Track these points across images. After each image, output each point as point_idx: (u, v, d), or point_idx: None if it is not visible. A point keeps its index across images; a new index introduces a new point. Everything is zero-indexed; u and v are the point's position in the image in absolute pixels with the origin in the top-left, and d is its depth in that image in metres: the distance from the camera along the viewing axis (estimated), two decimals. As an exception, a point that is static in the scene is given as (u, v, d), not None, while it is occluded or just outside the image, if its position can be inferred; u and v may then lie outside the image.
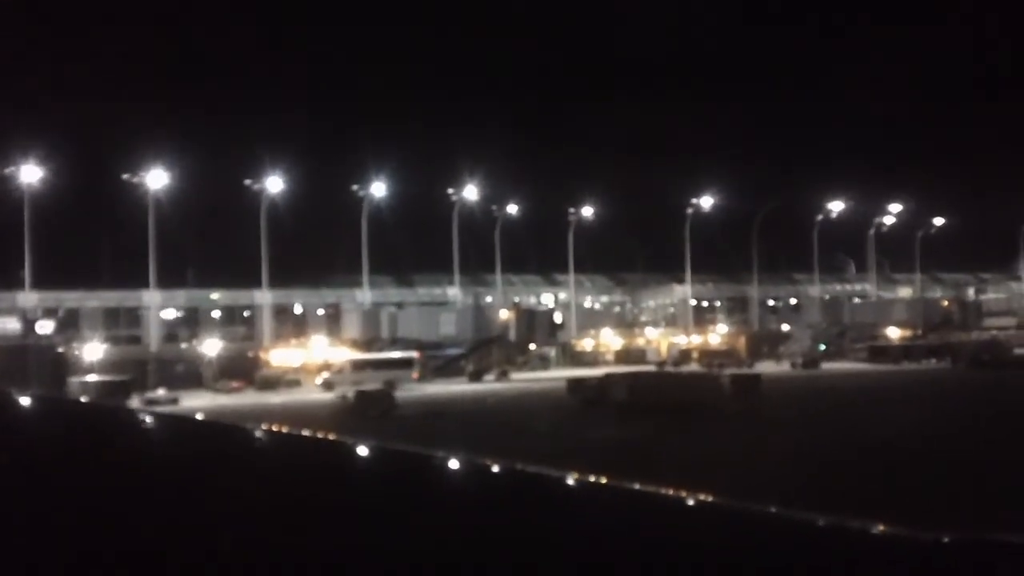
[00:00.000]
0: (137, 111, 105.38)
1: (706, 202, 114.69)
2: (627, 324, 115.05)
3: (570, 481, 2.28)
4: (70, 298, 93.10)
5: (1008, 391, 57.33)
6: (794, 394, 59.85)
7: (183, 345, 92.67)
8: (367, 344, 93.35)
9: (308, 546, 1.72)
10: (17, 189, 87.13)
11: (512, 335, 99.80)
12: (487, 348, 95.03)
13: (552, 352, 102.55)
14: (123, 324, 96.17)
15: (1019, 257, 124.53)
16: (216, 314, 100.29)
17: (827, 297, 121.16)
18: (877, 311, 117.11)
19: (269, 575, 1.63)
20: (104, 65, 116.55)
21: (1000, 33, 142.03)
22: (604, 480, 2.27)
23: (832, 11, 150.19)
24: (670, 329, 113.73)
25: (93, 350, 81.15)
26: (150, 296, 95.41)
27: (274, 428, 2.69)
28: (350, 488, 2.17)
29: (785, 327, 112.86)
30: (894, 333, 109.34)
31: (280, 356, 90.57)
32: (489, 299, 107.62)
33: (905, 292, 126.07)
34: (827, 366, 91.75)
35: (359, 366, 79.84)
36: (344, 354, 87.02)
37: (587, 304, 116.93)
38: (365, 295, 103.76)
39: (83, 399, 14.73)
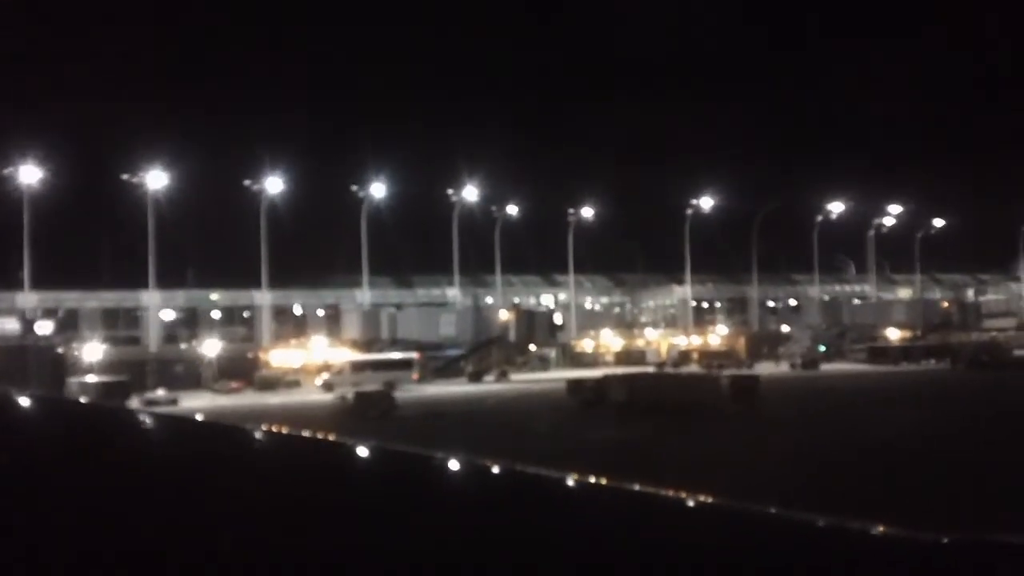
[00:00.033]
0: (137, 111, 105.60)
1: (706, 202, 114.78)
2: (627, 325, 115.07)
3: (570, 482, 2.28)
4: (69, 298, 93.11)
5: (1007, 392, 57.36)
6: (793, 395, 59.86)
7: (182, 346, 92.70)
8: (367, 345, 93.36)
9: (307, 547, 1.71)
10: (16, 189, 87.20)
11: (512, 336, 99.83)
12: (487, 349, 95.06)
13: (552, 353, 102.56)
14: (122, 324, 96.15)
15: (1018, 258, 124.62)
16: (216, 315, 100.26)
17: (827, 298, 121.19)
18: (877, 312, 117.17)
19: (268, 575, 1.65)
20: (104, 65, 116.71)
21: (1000, 33, 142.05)
22: (603, 481, 2.27)
23: (832, 11, 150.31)
24: (670, 330, 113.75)
25: (92, 350, 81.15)
26: (149, 296, 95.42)
27: (273, 429, 2.68)
28: (349, 489, 2.17)
29: (785, 328, 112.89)
30: (894, 334, 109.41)
31: (280, 357, 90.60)
32: (489, 300, 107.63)
33: (905, 293, 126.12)
34: (826, 367, 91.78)
35: (359, 367, 79.84)
36: (344, 355, 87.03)
37: (587, 305, 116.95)
38: (365, 296, 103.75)
39: (82, 400, 14.71)
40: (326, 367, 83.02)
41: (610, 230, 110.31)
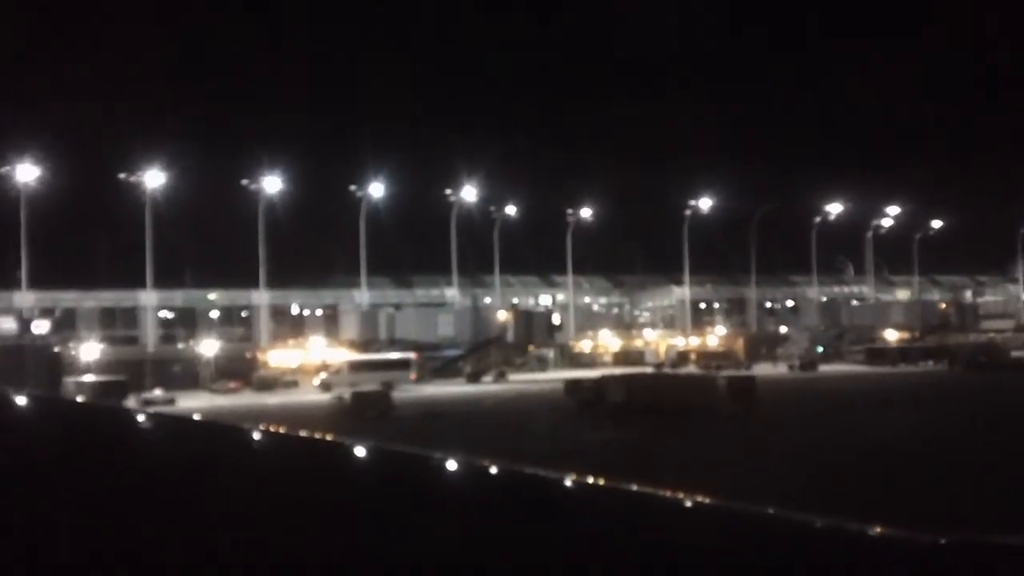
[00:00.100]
0: (135, 111, 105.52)
1: (704, 203, 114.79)
2: (625, 325, 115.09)
3: (567, 483, 2.27)
4: (67, 298, 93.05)
5: (1005, 393, 57.41)
6: (791, 396, 59.88)
7: (180, 345, 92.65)
8: (365, 345, 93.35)
9: (305, 547, 1.71)
10: (14, 188, 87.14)
11: (510, 336, 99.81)
12: (485, 349, 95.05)
13: (550, 353, 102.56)
14: (120, 324, 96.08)
15: (1016, 260, 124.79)
16: (214, 314, 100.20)
17: (825, 299, 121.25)
18: (875, 313, 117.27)
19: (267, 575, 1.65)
20: (102, 65, 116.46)
21: (1000, 33, 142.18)
22: (601, 482, 2.27)
23: (832, 11, 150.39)
24: (668, 331, 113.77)
25: (89, 350, 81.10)
26: (147, 296, 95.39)
27: (271, 429, 2.68)
28: (347, 489, 2.17)
29: (783, 329, 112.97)
30: (892, 335, 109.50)
31: (278, 357, 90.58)
32: (487, 300, 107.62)
33: (903, 294, 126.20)
34: (825, 368, 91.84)
35: (357, 367, 79.81)
36: (342, 355, 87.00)
37: (585, 305, 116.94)
38: (363, 296, 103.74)
39: (79, 399, 14.71)
40: (324, 367, 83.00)
41: (609, 231, 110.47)
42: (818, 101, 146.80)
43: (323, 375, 79.83)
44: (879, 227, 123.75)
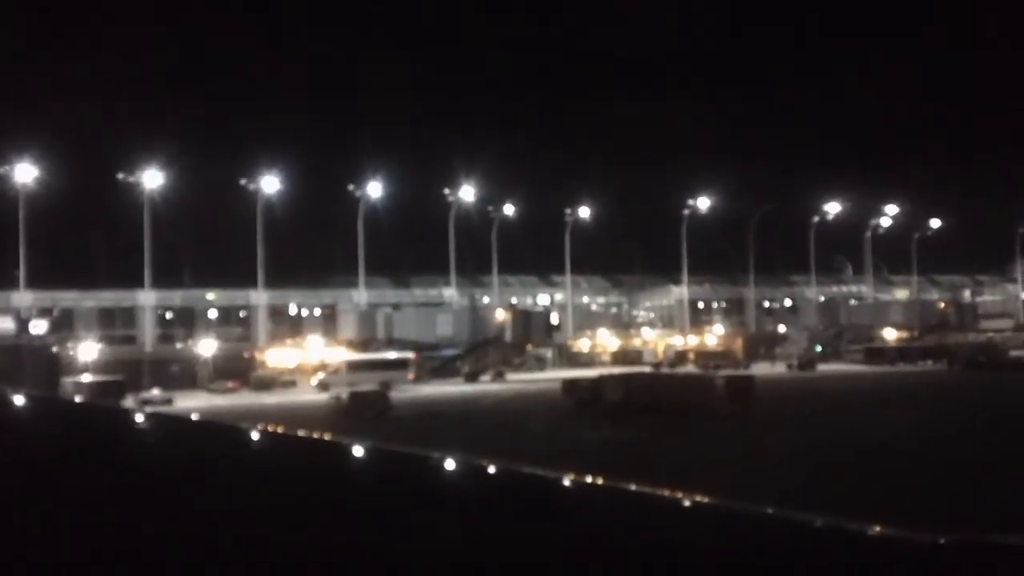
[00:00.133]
0: (133, 111, 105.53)
1: (703, 203, 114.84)
2: (624, 325, 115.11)
3: (566, 482, 2.27)
4: (65, 298, 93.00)
5: (1004, 393, 57.45)
6: (789, 395, 59.91)
7: (178, 345, 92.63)
8: (363, 345, 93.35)
9: (303, 547, 1.71)
10: (12, 188, 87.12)
11: (508, 336, 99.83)
12: (483, 349, 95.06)
13: (548, 353, 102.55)
14: (118, 324, 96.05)
15: (1015, 259, 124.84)
16: (212, 314, 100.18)
17: (824, 299, 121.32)
18: (874, 313, 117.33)
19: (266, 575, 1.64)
20: (101, 65, 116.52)
21: (1000, 33, 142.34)
22: (600, 481, 2.26)
23: (832, 11, 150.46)
24: (667, 330, 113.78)
25: (88, 350, 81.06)
26: (145, 296, 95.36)
27: (268, 429, 2.67)
28: (345, 489, 2.16)
29: (781, 328, 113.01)
30: (890, 335, 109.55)
31: (276, 357, 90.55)
32: (485, 300, 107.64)
33: (902, 294, 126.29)
34: (823, 368, 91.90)
35: (355, 367, 79.81)
36: (340, 355, 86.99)
37: (584, 305, 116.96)
38: (361, 296, 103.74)
39: (77, 399, 14.70)
40: (322, 367, 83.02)
41: (607, 230, 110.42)
42: (818, 101, 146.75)
43: (321, 375, 79.85)
44: (878, 227, 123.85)
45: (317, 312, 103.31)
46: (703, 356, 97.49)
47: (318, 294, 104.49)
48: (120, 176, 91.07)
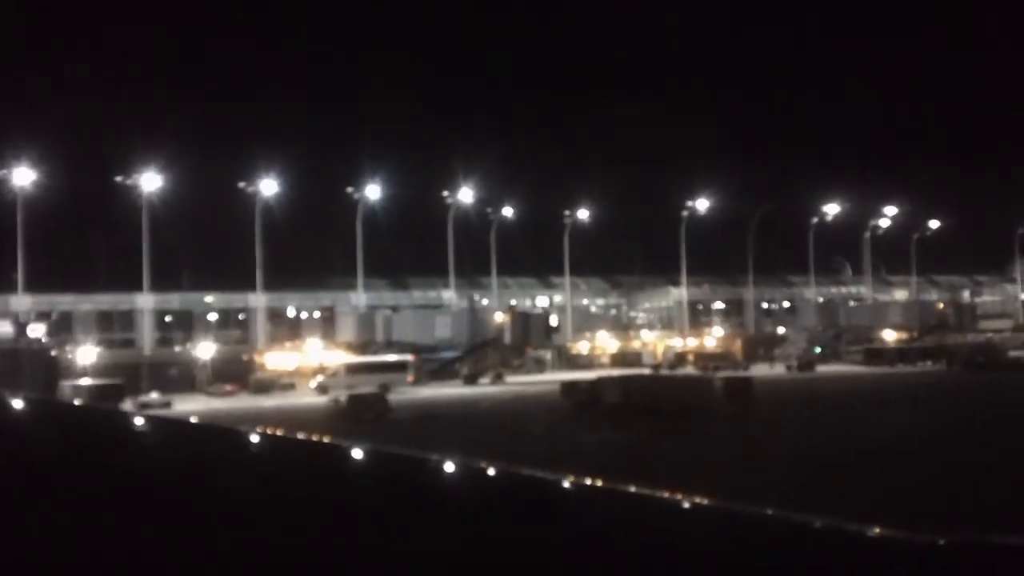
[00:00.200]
0: (133, 111, 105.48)
1: (703, 204, 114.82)
2: (623, 327, 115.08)
3: (565, 484, 2.27)
4: (63, 301, 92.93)
5: (1003, 393, 57.47)
6: (788, 397, 59.91)
7: (177, 348, 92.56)
8: (362, 347, 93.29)
9: (302, 549, 1.71)
10: (10, 191, 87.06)
11: (507, 338, 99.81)
12: (482, 351, 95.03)
13: (548, 355, 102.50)
14: (117, 327, 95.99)
15: (1014, 260, 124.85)
16: (211, 317, 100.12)
17: (823, 300, 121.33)
18: (873, 314, 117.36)
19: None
20: (99, 66, 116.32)
21: (1000, 33, 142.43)
22: (599, 483, 2.26)
23: (832, 11, 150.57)
24: (666, 332, 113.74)
25: (86, 353, 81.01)
26: (144, 299, 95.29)
27: (267, 431, 2.67)
28: (344, 491, 2.16)
29: (781, 330, 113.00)
30: (890, 335, 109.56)
31: (274, 359, 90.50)
32: (484, 302, 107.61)
33: (901, 295, 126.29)
34: (822, 368, 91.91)
35: (354, 369, 79.81)
36: (339, 357, 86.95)
37: (583, 307, 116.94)
38: (360, 298, 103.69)
39: (75, 403, 14.69)
40: (321, 370, 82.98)
41: (607, 231, 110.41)
42: (818, 101, 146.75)
43: (320, 377, 79.82)
44: (877, 227, 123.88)
45: (316, 314, 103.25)
46: (702, 357, 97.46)
47: (317, 296, 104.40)
48: (118, 179, 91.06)
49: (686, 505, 2.14)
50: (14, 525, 1.74)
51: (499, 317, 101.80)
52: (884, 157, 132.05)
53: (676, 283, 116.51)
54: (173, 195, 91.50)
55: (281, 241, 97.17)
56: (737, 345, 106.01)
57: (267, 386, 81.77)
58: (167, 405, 66.72)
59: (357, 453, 2.40)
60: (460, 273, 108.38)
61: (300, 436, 2.69)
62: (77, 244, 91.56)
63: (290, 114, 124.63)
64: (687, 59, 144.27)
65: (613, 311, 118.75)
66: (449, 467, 2.27)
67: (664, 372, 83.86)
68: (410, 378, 79.51)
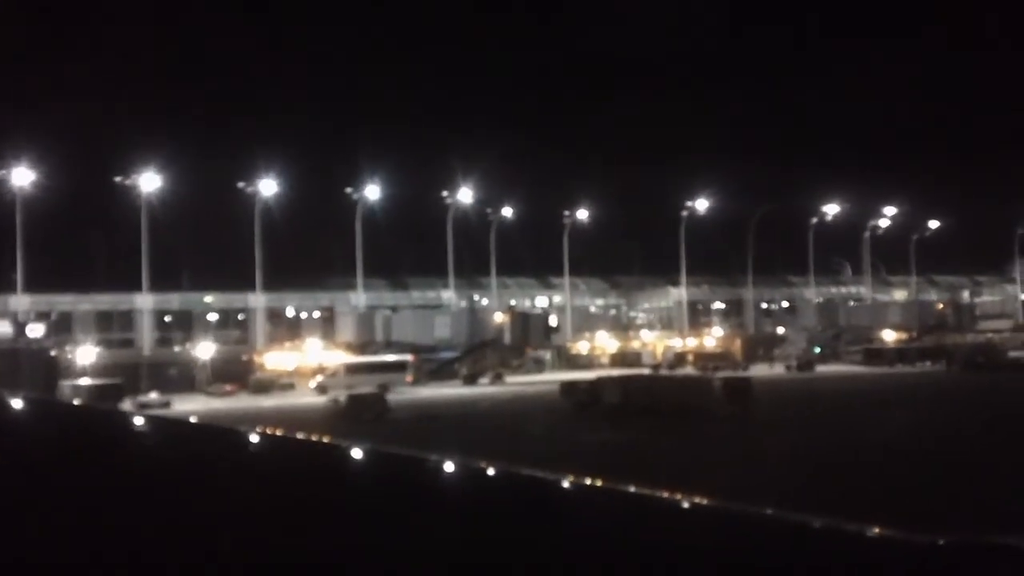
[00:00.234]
0: (132, 111, 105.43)
1: (702, 204, 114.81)
2: (622, 327, 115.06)
3: (565, 484, 2.27)
4: (63, 301, 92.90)
5: (1003, 393, 57.47)
6: (788, 397, 59.92)
7: (176, 348, 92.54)
8: (361, 347, 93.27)
9: (302, 549, 1.71)
10: (9, 192, 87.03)
11: (507, 338, 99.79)
12: (482, 351, 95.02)
13: (547, 355, 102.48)
14: (116, 327, 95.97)
15: (1014, 260, 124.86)
16: (210, 317, 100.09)
17: (822, 300, 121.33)
18: (872, 314, 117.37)
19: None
20: (99, 66, 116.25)
21: (1000, 33, 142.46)
22: (599, 483, 2.26)
23: (832, 11, 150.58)
24: (666, 332, 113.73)
25: (85, 353, 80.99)
26: (143, 299, 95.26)
27: (267, 431, 2.67)
28: (343, 491, 2.16)
29: (780, 330, 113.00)
30: (889, 336, 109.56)
31: (274, 359, 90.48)
32: (484, 302, 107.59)
33: (900, 295, 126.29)
34: (822, 369, 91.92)
35: (353, 369, 79.79)
36: (338, 357, 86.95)
37: (582, 307, 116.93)
38: (359, 298, 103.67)
39: (75, 403, 14.68)
40: (320, 370, 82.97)
41: (606, 231, 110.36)
42: (818, 101, 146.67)
43: (319, 377, 79.81)
44: (876, 227, 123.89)
45: (315, 315, 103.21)
46: (702, 358, 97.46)
47: (316, 296, 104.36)
48: (118, 179, 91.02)
49: (686, 505, 2.14)
50: (14, 525, 1.74)
51: (498, 317, 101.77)
52: (884, 157, 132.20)
53: (676, 283, 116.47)
54: (172, 195, 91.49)
55: (281, 241, 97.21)
56: (737, 345, 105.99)
57: (267, 386, 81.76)
58: (166, 405, 66.71)
59: (357, 453, 2.40)
60: (459, 273, 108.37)
61: (300, 436, 2.69)
62: (76, 244, 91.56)
63: (290, 114, 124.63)
64: (687, 59, 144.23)
65: (613, 311, 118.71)
66: (449, 467, 2.26)
67: (664, 372, 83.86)
68: (409, 378, 79.52)
